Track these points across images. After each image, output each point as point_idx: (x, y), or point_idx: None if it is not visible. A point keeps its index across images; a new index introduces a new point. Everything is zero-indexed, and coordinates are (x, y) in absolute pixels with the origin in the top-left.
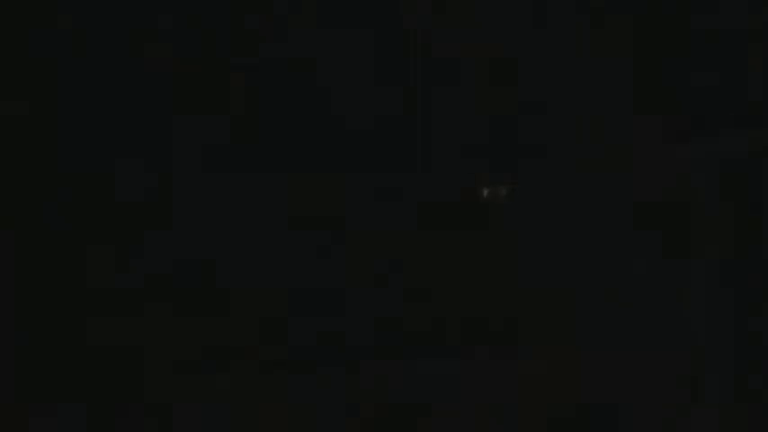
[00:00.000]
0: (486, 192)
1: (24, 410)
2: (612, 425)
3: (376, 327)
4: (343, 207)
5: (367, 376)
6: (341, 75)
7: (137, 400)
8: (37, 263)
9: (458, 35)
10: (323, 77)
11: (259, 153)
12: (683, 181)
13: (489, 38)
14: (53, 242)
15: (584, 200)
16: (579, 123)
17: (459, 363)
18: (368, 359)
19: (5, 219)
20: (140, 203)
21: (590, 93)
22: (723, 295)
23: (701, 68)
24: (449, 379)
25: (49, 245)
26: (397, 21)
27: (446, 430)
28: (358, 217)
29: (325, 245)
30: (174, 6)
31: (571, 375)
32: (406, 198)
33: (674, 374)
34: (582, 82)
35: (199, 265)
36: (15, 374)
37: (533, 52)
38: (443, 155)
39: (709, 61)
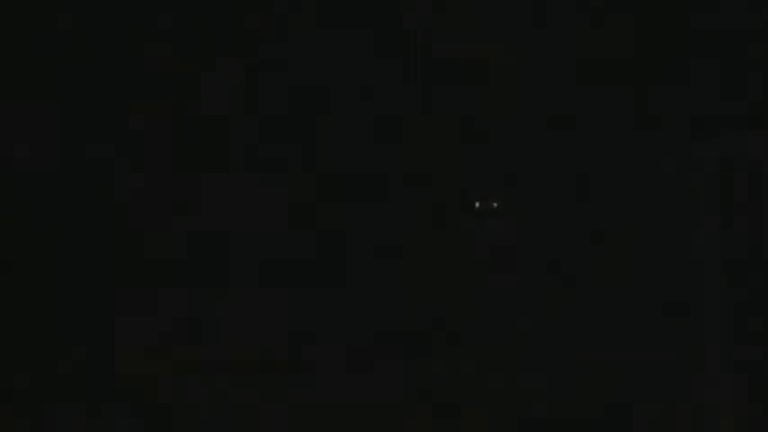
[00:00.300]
0: (478, 203)
1: (24, 410)
2: (618, 425)
3: (376, 327)
4: (343, 207)
5: (369, 376)
6: (341, 75)
7: (137, 401)
8: (37, 263)
9: (458, 35)
10: (323, 77)
11: (259, 153)
12: (683, 181)
13: (489, 38)
14: (53, 242)
15: (584, 199)
16: (578, 123)
17: (459, 363)
18: (369, 359)
19: (5, 218)
20: (139, 203)
21: (589, 93)
22: (723, 296)
23: (701, 68)
24: (449, 379)
25: (48, 245)
26: (397, 21)
27: (450, 429)
28: (357, 216)
29: (325, 245)
30: (173, 6)
31: (574, 376)
32: (405, 199)
33: (687, 375)
34: (581, 82)
35: (198, 264)
36: (15, 374)
37: (533, 52)
38: (443, 155)
39: (709, 61)
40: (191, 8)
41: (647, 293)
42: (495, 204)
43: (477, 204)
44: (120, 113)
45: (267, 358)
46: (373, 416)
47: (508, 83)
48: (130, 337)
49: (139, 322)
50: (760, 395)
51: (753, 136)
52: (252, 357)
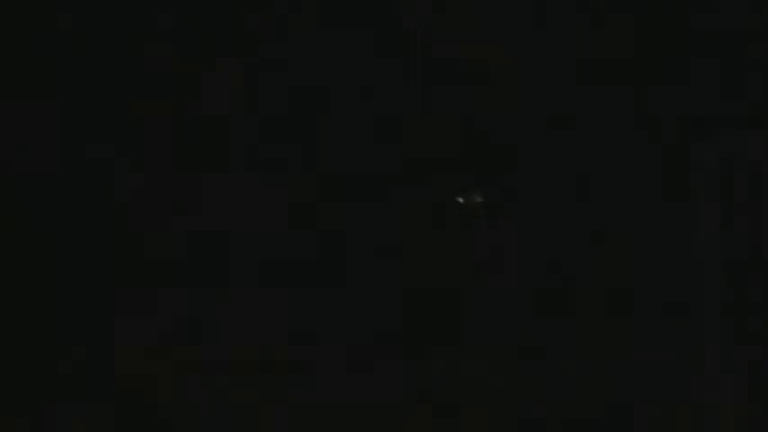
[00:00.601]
0: (463, 198)
1: (24, 411)
2: (618, 425)
3: (376, 326)
4: (343, 206)
5: (369, 376)
6: (341, 75)
7: (137, 401)
8: (36, 262)
9: (458, 35)
10: (323, 77)
11: (259, 153)
12: (683, 181)
13: (489, 38)
14: (51, 242)
15: (584, 199)
16: (578, 123)
17: (459, 363)
18: (369, 359)
19: (6, 218)
20: (139, 203)
21: (589, 93)
22: (723, 296)
23: (701, 68)
24: (449, 378)
25: (46, 244)
26: (397, 21)
27: (451, 429)
28: (357, 216)
29: (324, 244)
30: (173, 6)
31: (574, 375)
32: (406, 199)
33: (687, 375)
34: (581, 82)
35: (198, 264)
36: (15, 374)
37: (533, 52)
38: (442, 154)
39: (709, 61)
40: (191, 8)
41: (647, 293)
42: (480, 200)
43: (461, 200)
44: (120, 113)
45: (267, 358)
46: (373, 416)
47: (508, 83)
48: (130, 336)
49: (139, 322)
50: (760, 395)
51: (753, 136)
52: (252, 357)
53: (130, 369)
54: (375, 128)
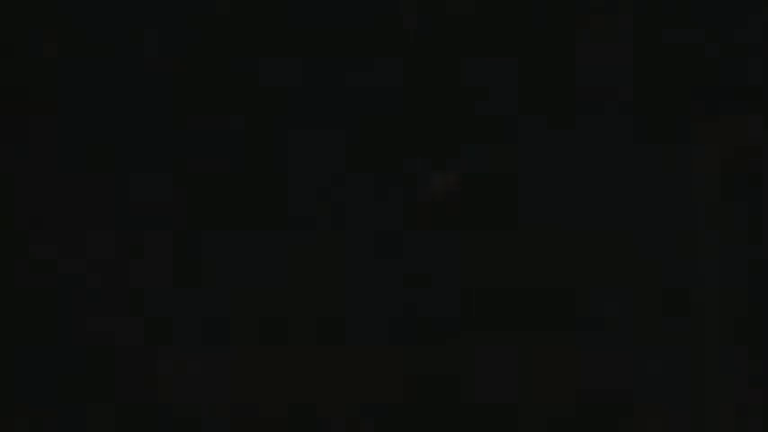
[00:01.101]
0: (438, 177)
1: (25, 411)
2: (617, 424)
3: (376, 325)
4: (343, 206)
5: (369, 374)
6: (341, 75)
7: (137, 401)
8: (36, 260)
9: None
10: (324, 78)
11: (259, 153)
12: (684, 180)
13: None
14: (51, 238)
15: (585, 199)
16: (578, 123)
17: (459, 362)
18: (370, 358)
19: (7, 218)
20: (139, 203)
21: (588, 91)
22: (723, 295)
23: (701, 67)
24: (450, 377)
25: (47, 241)
26: (398, 21)
27: (452, 429)
28: (357, 214)
29: (323, 242)
30: (174, 6)
31: (573, 375)
32: (405, 197)
33: (687, 375)
34: (580, 80)
35: (199, 263)
36: (15, 374)
37: (533, 53)
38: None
39: (709, 60)
40: (191, 8)
41: (647, 293)
42: (453, 177)
43: (438, 179)
44: (121, 113)
45: (267, 356)
46: (373, 415)
47: (508, 82)
48: (130, 336)
49: (139, 320)
50: (760, 395)
51: (753, 129)
52: (252, 355)
53: (130, 368)
54: (375, 127)
